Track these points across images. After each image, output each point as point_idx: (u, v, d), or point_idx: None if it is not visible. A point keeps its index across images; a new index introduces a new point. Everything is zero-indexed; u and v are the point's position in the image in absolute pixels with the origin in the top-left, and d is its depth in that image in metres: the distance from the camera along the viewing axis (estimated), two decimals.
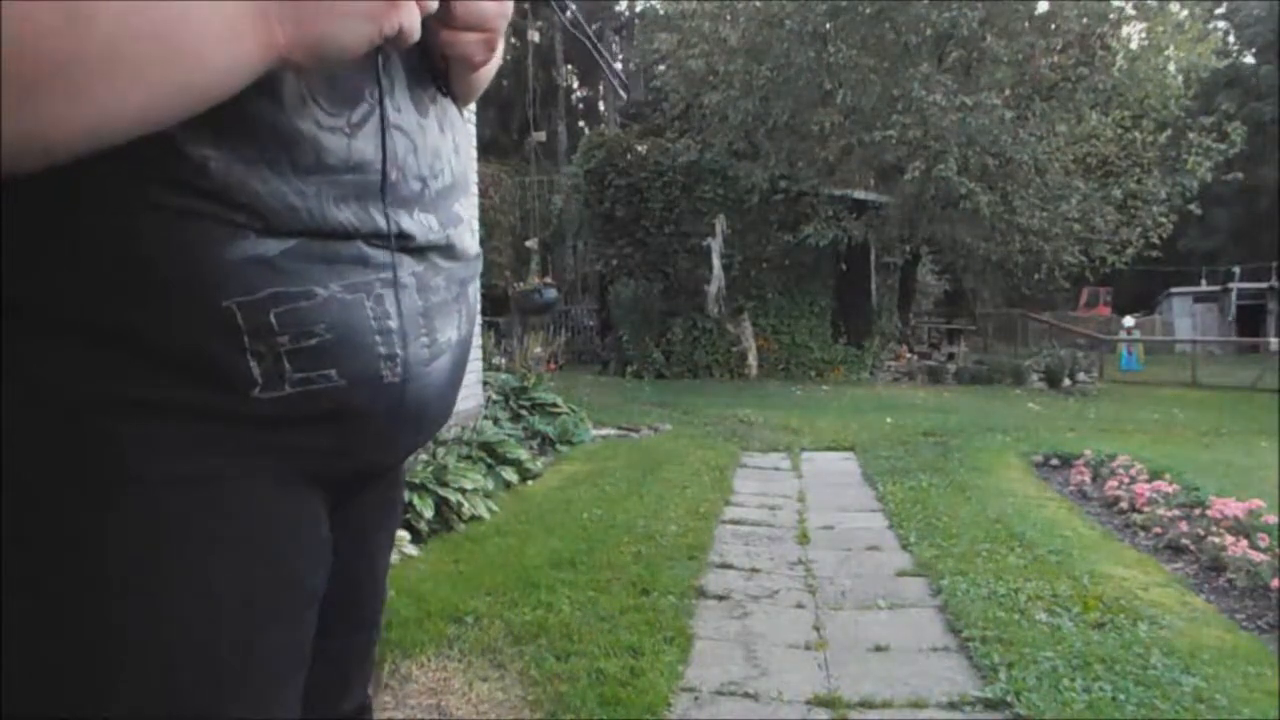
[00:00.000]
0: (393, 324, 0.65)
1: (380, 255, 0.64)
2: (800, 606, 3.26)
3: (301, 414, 0.62)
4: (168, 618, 0.60)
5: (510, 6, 0.70)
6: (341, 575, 0.79)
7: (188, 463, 0.59)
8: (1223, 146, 14.18)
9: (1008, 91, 13.11)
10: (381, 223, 0.64)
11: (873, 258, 15.00)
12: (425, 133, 0.70)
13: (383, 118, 0.65)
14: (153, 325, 0.57)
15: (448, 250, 0.72)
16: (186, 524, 0.60)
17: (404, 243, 0.66)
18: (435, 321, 0.70)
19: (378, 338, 0.64)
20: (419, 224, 0.68)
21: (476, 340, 4.06)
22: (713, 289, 13.75)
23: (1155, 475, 5.30)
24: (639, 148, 14.41)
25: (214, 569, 0.62)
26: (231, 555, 0.62)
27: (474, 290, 0.80)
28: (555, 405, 7.25)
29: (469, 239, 0.77)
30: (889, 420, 8.76)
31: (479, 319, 0.71)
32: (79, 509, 0.58)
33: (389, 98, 0.66)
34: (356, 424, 0.65)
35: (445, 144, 0.73)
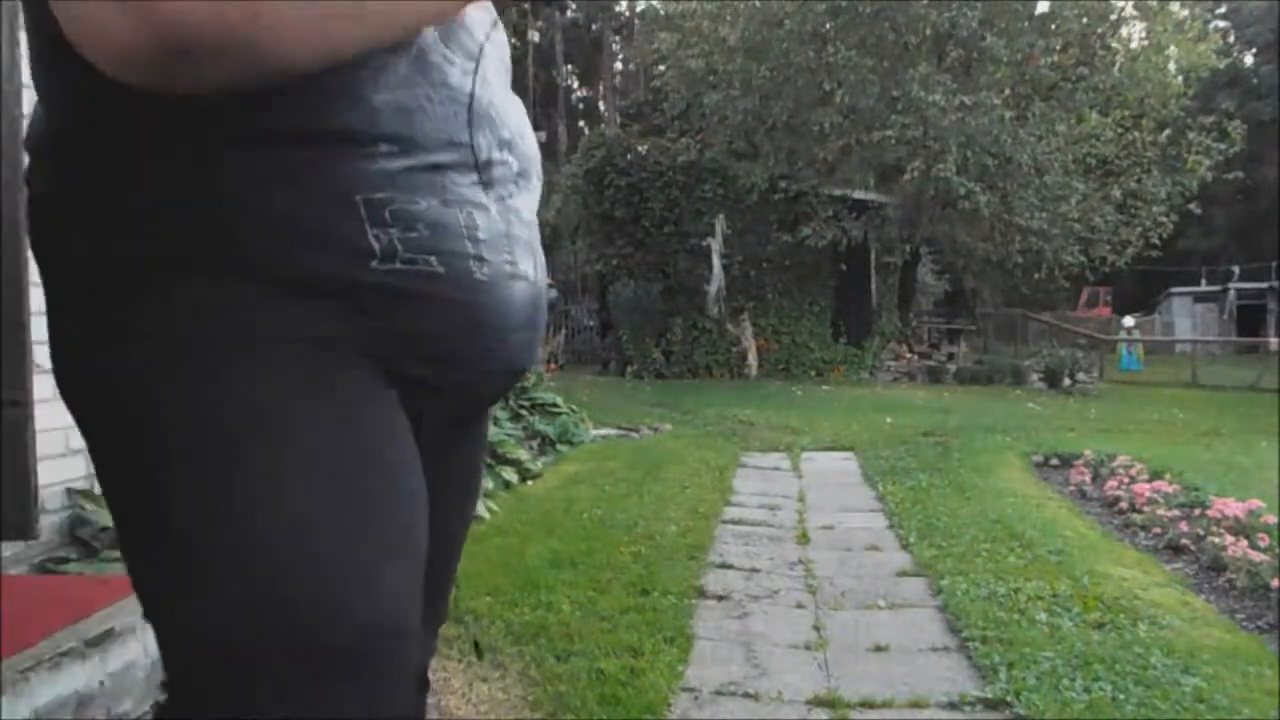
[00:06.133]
0: (480, 234, 0.80)
1: (467, 186, 0.80)
2: (800, 606, 3.26)
3: (408, 289, 0.75)
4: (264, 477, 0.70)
5: None
6: None
7: (312, 328, 0.73)
8: (1223, 146, 14.18)
9: (1007, 91, 13.11)
10: (473, 137, 0.82)
11: (873, 258, 15.00)
12: (507, 105, 0.88)
13: (478, 68, 0.84)
14: (304, 211, 0.72)
15: (523, 199, 0.89)
16: (299, 384, 0.72)
17: (487, 171, 0.82)
18: (515, 248, 0.85)
19: (467, 242, 0.79)
20: (501, 158, 0.85)
21: None
22: (713, 289, 13.76)
23: (1155, 475, 5.30)
24: (639, 148, 14.41)
25: (314, 429, 0.72)
26: (331, 419, 0.73)
27: (540, 254, 0.93)
28: (555, 405, 7.26)
29: (534, 209, 0.93)
30: (889, 420, 8.77)
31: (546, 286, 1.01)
32: (209, 369, 0.71)
33: (482, 60, 0.85)
34: (450, 311, 0.78)
35: (522, 122, 0.91)
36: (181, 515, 0.69)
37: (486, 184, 0.83)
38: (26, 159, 0.78)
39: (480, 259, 0.80)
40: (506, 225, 0.84)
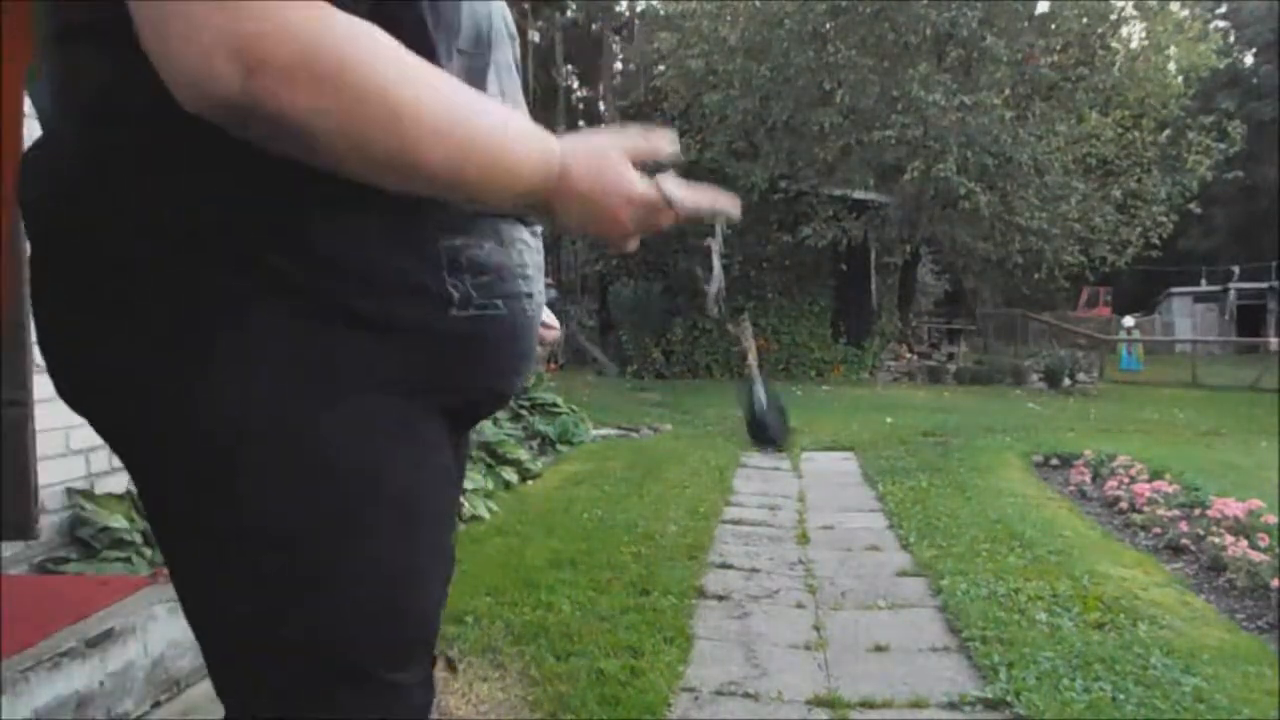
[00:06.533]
0: (529, 271, 0.87)
1: (510, 224, 0.86)
2: (800, 606, 3.26)
3: (476, 333, 0.80)
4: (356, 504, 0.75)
5: None
6: None
7: (390, 368, 0.76)
8: (1223, 146, 14.17)
9: (1007, 91, 13.10)
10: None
11: (873, 258, 15.00)
12: None
13: None
14: (394, 261, 0.75)
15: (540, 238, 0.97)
16: (381, 425, 0.76)
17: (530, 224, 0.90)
18: (537, 275, 0.91)
19: (521, 281, 0.85)
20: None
21: None
22: (713, 289, 13.73)
23: (1155, 475, 5.29)
24: None
25: (394, 461, 0.77)
26: (409, 451, 0.79)
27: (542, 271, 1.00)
28: (555, 405, 7.25)
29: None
30: (889, 420, 8.77)
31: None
32: (300, 406, 0.73)
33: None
34: (500, 347, 0.84)
35: None
36: (270, 537, 0.73)
37: (525, 222, 0.89)
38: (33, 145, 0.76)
39: (530, 295, 0.87)
40: (535, 260, 0.90)
